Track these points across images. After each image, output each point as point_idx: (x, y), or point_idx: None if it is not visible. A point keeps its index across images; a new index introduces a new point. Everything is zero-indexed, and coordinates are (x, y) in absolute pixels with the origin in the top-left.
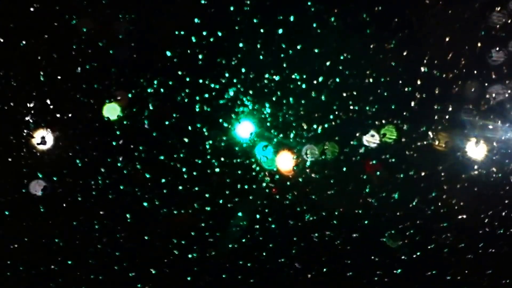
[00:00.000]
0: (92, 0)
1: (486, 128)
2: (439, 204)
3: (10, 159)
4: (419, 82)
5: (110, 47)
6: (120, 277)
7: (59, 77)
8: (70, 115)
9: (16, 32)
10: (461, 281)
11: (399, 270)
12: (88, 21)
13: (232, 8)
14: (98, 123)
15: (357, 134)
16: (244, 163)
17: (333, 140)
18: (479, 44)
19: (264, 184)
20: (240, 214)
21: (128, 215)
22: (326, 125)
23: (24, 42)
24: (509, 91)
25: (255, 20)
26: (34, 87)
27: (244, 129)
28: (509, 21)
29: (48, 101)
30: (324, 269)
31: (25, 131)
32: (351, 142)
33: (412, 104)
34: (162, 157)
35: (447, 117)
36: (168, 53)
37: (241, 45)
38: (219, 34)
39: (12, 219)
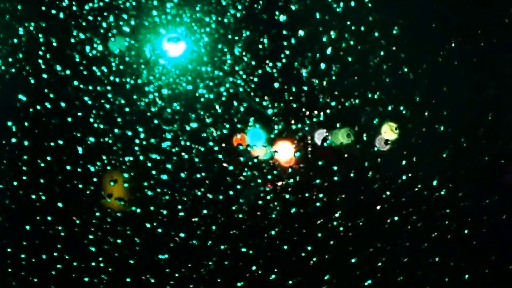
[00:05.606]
0: None
1: (488, 115)
2: (443, 190)
3: (8, 147)
4: (422, 69)
5: (109, 37)
6: (120, 264)
7: (57, 66)
8: (70, 103)
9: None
10: (464, 267)
11: (401, 257)
12: (88, 9)
13: None
14: (99, 110)
15: (360, 120)
16: (245, 150)
17: (334, 126)
18: (480, 32)
19: (265, 171)
20: (241, 200)
21: (129, 203)
22: (328, 112)
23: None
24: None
25: (257, 6)
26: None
27: (246, 116)
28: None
29: (47, 90)
30: (327, 256)
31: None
32: (354, 129)
33: (415, 90)
34: (164, 145)
35: (450, 103)
36: (170, 41)
37: (243, 31)
38: (221, 20)
39: (12, 207)
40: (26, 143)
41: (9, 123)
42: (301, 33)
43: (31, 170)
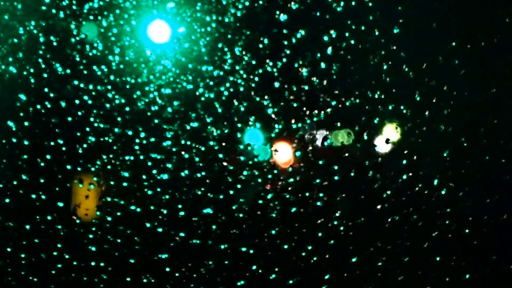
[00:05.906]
0: None
1: (489, 115)
2: (443, 190)
3: (8, 147)
4: (422, 68)
5: (109, 35)
6: (120, 264)
7: (57, 66)
8: (70, 103)
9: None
10: (464, 267)
11: (402, 256)
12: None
13: None
14: (99, 110)
15: (361, 120)
16: (246, 150)
17: (335, 126)
18: (480, 32)
19: (265, 171)
20: (241, 200)
21: (129, 203)
22: (328, 111)
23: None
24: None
25: (257, 6)
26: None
27: (246, 116)
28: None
29: (47, 90)
30: (327, 256)
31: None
32: (354, 128)
33: (415, 90)
34: (164, 144)
35: (451, 103)
36: (170, 40)
37: (243, 31)
38: (221, 20)
39: (12, 207)
40: (26, 143)
41: (9, 123)
42: (301, 32)
43: (31, 170)
